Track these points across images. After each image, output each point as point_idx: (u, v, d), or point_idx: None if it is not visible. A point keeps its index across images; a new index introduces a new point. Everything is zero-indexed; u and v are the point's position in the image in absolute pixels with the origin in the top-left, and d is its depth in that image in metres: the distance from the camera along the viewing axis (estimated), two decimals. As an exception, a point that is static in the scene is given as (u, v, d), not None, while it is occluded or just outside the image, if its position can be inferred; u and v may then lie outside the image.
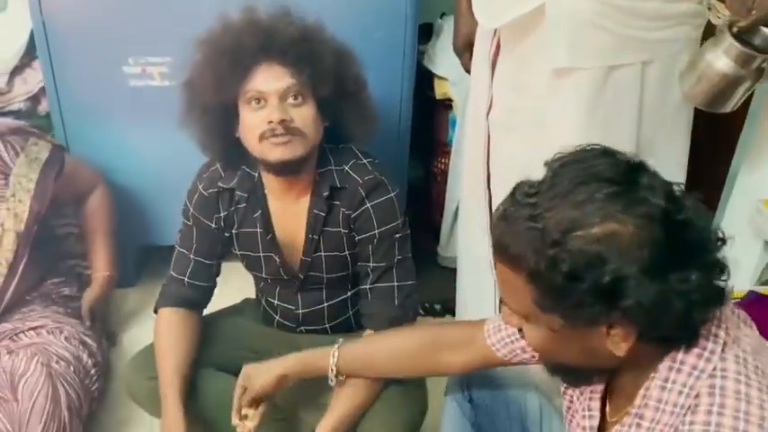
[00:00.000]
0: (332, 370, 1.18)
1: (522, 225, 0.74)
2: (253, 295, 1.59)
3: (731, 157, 1.42)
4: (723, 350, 0.76)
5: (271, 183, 1.35)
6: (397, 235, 1.33)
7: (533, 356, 1.06)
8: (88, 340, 1.52)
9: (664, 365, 0.77)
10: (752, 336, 0.81)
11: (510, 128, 1.30)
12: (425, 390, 1.35)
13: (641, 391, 0.79)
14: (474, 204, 1.46)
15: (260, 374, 1.20)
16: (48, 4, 1.60)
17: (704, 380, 0.75)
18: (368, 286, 1.35)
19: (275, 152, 1.24)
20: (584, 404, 0.92)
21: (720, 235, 0.77)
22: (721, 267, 0.75)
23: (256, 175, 1.35)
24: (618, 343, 0.75)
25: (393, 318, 1.33)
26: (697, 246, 0.73)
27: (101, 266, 1.71)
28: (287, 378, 1.20)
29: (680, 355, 0.77)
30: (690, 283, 0.71)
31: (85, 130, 1.75)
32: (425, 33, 1.94)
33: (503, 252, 0.77)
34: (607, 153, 0.77)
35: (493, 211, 1.39)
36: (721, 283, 0.76)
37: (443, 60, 1.88)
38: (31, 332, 1.47)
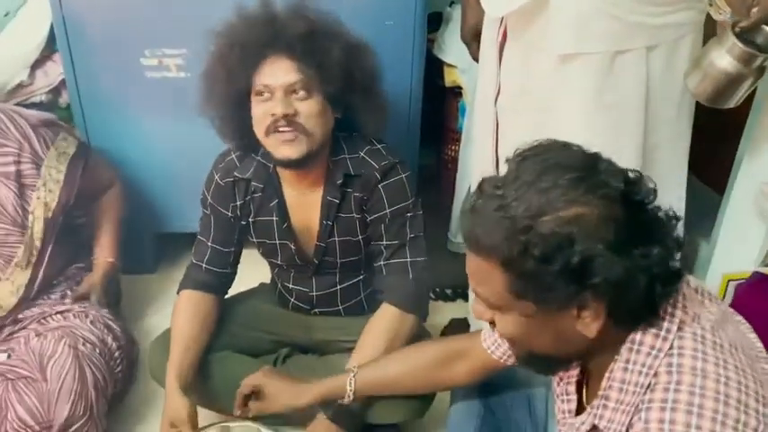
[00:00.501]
0: (348, 396, 1.25)
1: (492, 216, 0.77)
2: (268, 280, 1.64)
3: (738, 142, 1.43)
4: (680, 328, 0.79)
5: (284, 173, 1.38)
6: (409, 214, 1.37)
7: None
8: (112, 324, 1.56)
9: (625, 347, 0.80)
10: (715, 311, 0.83)
11: (518, 113, 1.31)
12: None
13: (606, 374, 0.82)
14: None
15: (284, 398, 1.27)
16: (67, -1, 1.64)
17: (662, 359, 0.77)
18: (382, 263, 1.38)
19: (281, 150, 1.27)
20: (563, 388, 0.96)
21: (672, 214, 0.80)
22: (679, 244, 0.79)
23: (271, 165, 1.38)
24: (588, 324, 0.78)
25: (409, 292, 1.37)
26: (654, 224, 0.77)
27: (104, 253, 1.72)
28: (308, 407, 1.28)
29: (638, 337, 0.79)
30: (652, 258, 0.75)
31: (105, 120, 1.79)
32: (435, 22, 1.96)
33: (475, 244, 0.79)
34: (566, 145, 0.81)
35: None
36: (676, 264, 0.78)
37: (453, 48, 1.90)
38: (58, 316, 1.52)
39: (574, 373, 0.94)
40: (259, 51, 1.26)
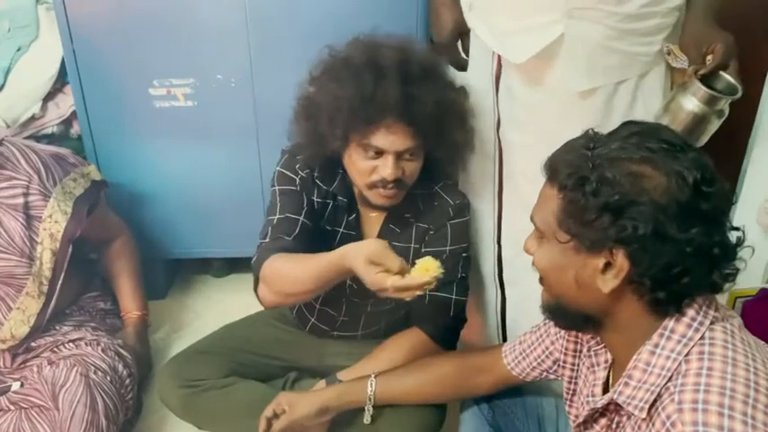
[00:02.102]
0: (369, 399, 1.25)
1: (576, 149, 0.85)
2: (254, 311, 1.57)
3: (740, 160, 1.44)
4: (712, 323, 0.82)
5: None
6: (464, 254, 1.38)
7: (541, 373, 1.13)
8: (123, 352, 1.58)
9: (656, 334, 0.83)
10: (738, 319, 0.86)
11: (524, 145, 1.33)
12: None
13: (634, 356, 0.85)
14: (479, 217, 1.49)
15: (302, 405, 1.25)
16: (77, 33, 1.68)
17: (692, 347, 0.80)
18: (426, 292, 1.38)
19: (379, 200, 1.29)
20: (589, 390, 0.98)
21: (737, 228, 0.84)
22: (728, 253, 0.81)
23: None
24: (607, 280, 0.81)
25: (446, 327, 1.37)
26: (711, 223, 0.79)
27: (131, 307, 1.76)
28: (327, 410, 1.26)
29: (671, 324, 0.82)
30: (691, 245, 0.77)
31: (115, 149, 1.82)
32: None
33: (547, 169, 0.87)
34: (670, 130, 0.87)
35: (503, 223, 1.43)
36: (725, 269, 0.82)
37: (453, 73, 1.92)
38: (71, 344, 1.53)
39: (601, 375, 0.96)
40: (379, 114, 1.21)
